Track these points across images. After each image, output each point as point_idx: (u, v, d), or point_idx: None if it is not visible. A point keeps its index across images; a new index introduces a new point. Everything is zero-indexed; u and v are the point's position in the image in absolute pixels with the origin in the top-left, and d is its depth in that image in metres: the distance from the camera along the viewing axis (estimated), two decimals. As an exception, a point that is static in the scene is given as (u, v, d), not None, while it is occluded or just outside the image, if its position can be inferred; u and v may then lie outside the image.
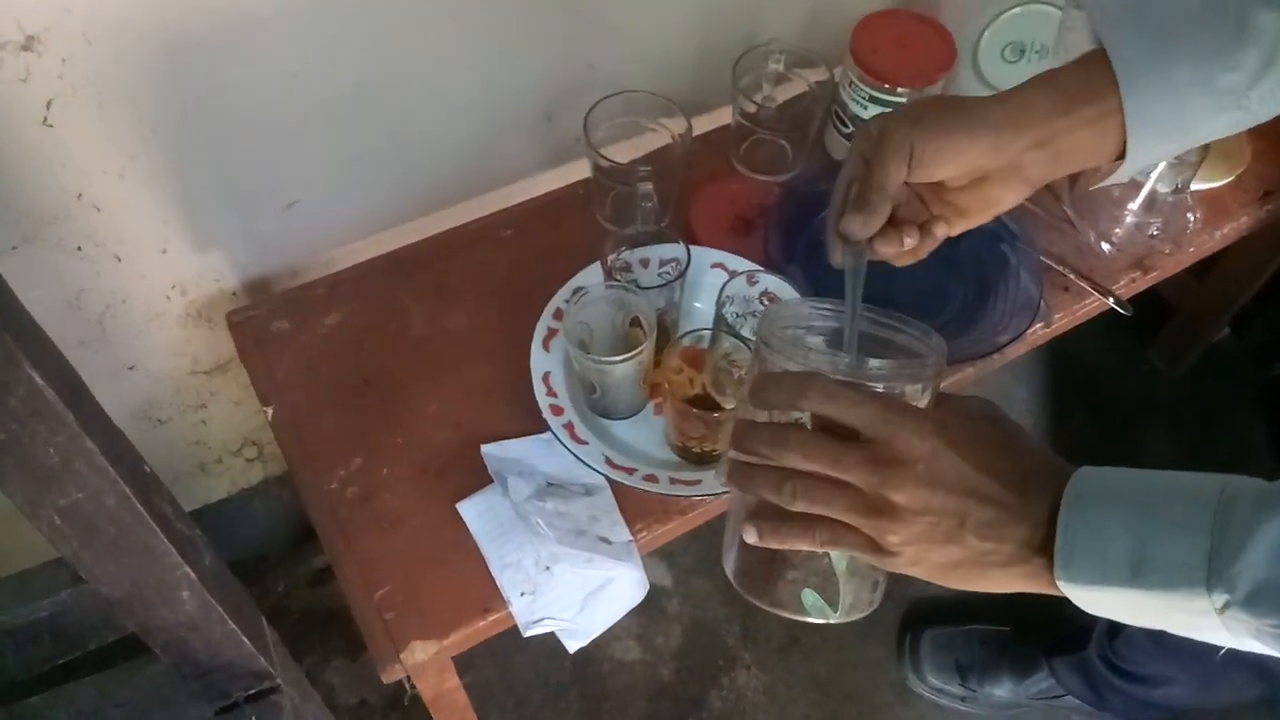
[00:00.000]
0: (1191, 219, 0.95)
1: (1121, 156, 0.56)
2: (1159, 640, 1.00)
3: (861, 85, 0.88)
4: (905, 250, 0.61)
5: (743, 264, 0.82)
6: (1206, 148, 0.85)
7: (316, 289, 0.86)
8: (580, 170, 0.91)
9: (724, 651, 1.22)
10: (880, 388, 0.49)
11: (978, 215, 0.60)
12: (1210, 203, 0.96)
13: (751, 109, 0.90)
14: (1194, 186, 0.92)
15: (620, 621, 0.73)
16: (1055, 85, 0.56)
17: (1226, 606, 0.41)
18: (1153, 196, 0.91)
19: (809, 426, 0.49)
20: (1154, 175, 0.88)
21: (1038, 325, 0.84)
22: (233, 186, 0.81)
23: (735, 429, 0.50)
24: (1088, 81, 0.54)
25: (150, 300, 0.85)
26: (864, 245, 0.60)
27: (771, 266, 0.82)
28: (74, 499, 0.42)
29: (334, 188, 0.86)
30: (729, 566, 0.55)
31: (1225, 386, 1.45)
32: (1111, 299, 0.88)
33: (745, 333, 0.76)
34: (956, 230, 0.61)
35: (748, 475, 0.50)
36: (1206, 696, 1.02)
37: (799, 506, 0.47)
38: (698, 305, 0.83)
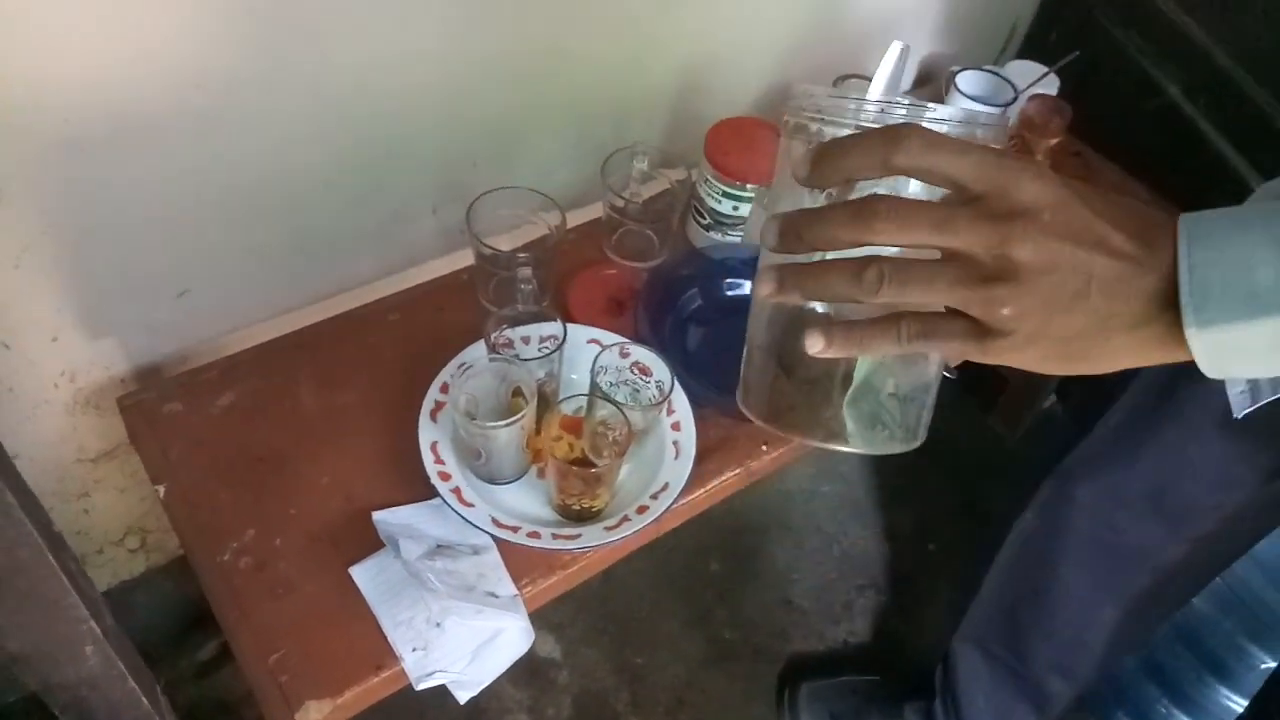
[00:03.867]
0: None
1: None
2: (989, 696, 1.11)
3: (715, 182, 1.00)
4: None
5: (616, 339, 0.90)
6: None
7: (208, 372, 0.89)
8: (465, 258, 0.98)
9: (613, 719, 1.26)
10: None
11: None
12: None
13: (620, 204, 1.00)
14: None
15: (511, 694, 0.76)
16: None
17: None
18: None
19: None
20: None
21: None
22: (127, 276, 0.84)
23: (786, 224, 0.42)
24: None
25: (38, 387, 0.87)
26: None
27: (641, 342, 0.90)
28: (-11, 551, 0.45)
29: (228, 277, 0.91)
30: (752, 406, 0.49)
31: (1056, 448, 1.61)
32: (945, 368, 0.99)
33: (619, 398, 0.84)
34: None
35: (805, 274, 0.42)
36: None
37: (885, 295, 0.40)
38: (574, 377, 0.90)
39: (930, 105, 0.43)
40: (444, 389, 0.85)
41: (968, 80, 1.20)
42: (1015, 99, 1.17)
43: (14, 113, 0.68)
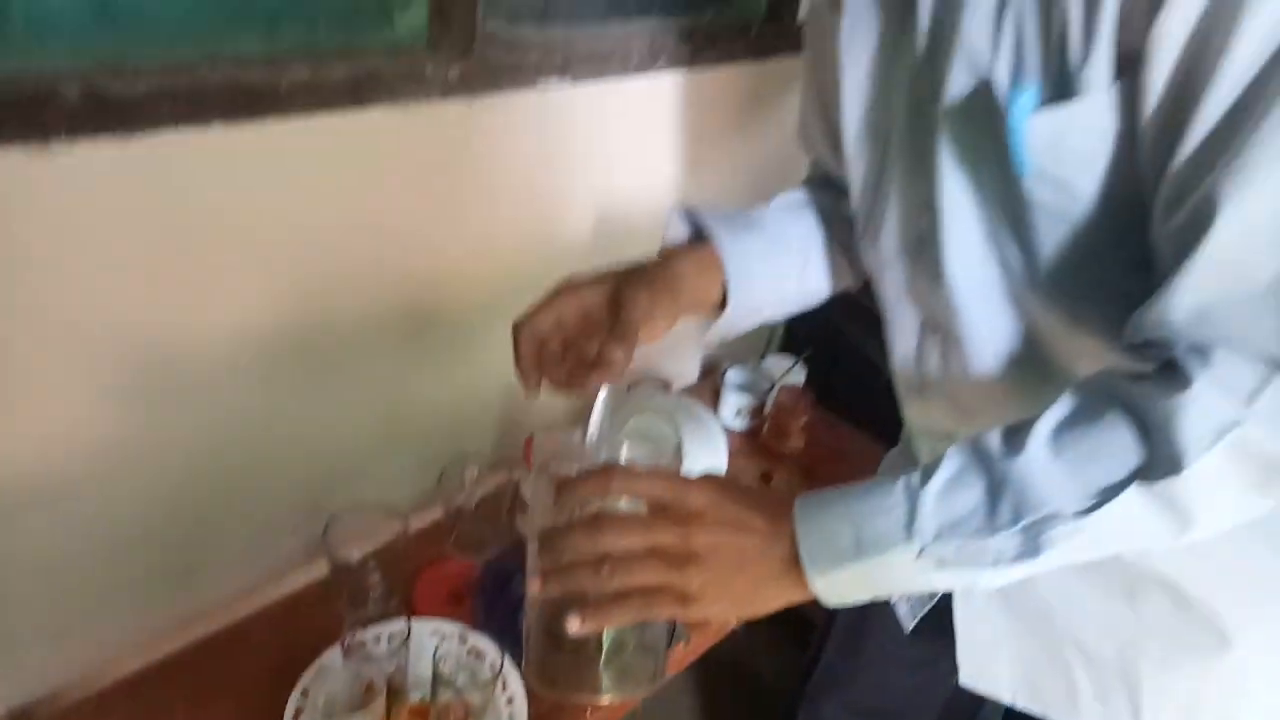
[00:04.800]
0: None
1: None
2: None
3: (534, 482, 1.21)
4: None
5: (455, 628, 1.06)
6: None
7: (83, 707, 0.98)
8: (322, 567, 1.13)
9: None
10: None
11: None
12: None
13: (455, 506, 1.19)
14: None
15: None
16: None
17: (922, 551, 0.55)
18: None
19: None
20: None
21: (679, 645, 1.13)
22: (7, 629, 0.94)
23: (543, 539, 0.59)
24: None
25: (-88, 739, 0.93)
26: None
27: (478, 627, 1.06)
28: None
29: (102, 614, 1.01)
30: (533, 679, 0.64)
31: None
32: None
33: (459, 682, 0.98)
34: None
35: (561, 573, 0.58)
36: None
37: (615, 583, 0.56)
38: (421, 665, 1.03)
39: (624, 443, 0.66)
40: (305, 693, 0.97)
41: (735, 373, 1.50)
42: (771, 388, 1.47)
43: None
